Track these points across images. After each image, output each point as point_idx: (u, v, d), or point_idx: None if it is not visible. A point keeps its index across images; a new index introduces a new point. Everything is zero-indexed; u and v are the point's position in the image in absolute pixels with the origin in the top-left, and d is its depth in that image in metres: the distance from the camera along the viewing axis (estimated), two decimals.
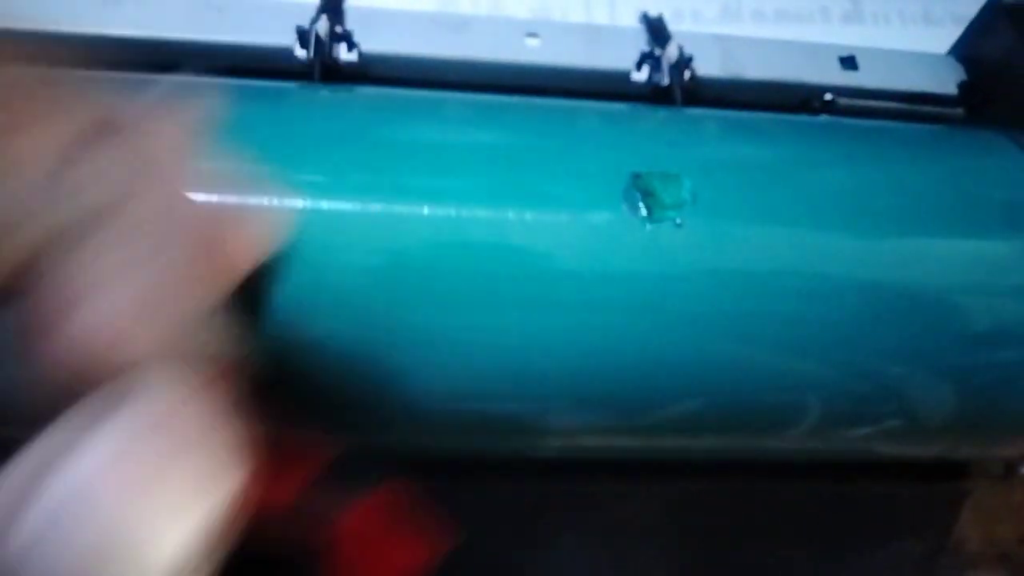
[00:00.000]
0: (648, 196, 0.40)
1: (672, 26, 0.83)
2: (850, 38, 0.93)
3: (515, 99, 0.47)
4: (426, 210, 0.39)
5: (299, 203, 0.37)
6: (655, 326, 0.40)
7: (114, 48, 0.48)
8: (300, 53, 0.48)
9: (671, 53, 0.49)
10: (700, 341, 0.40)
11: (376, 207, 0.38)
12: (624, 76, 0.51)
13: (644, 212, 0.40)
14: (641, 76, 0.51)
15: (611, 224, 0.40)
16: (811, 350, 0.41)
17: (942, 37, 0.94)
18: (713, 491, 0.51)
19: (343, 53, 0.48)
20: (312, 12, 0.48)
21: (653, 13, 0.54)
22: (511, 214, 0.39)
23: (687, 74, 0.50)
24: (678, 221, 0.40)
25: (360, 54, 0.48)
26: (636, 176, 0.40)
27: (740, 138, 0.46)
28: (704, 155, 0.43)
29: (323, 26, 0.47)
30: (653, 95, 0.50)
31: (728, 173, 0.42)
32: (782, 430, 0.44)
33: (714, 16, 0.89)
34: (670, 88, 0.49)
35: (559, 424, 0.43)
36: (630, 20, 0.87)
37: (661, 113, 0.47)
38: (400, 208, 0.38)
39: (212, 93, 0.45)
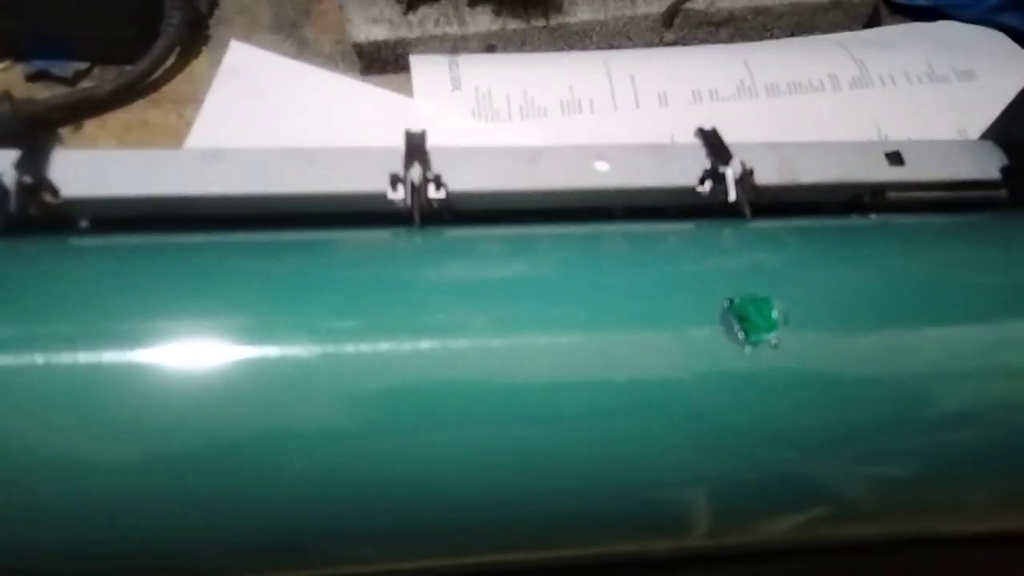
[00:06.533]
0: (744, 320, 0.43)
1: (696, 109, 0.88)
2: (862, 101, 0.98)
3: (595, 227, 0.51)
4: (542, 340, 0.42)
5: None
6: (759, 443, 0.43)
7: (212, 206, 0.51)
8: (396, 196, 0.51)
9: (735, 168, 0.53)
10: (802, 455, 0.43)
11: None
12: (690, 191, 0.55)
13: (742, 336, 0.43)
14: (705, 189, 0.55)
15: (710, 346, 0.43)
16: (907, 452, 0.44)
17: (948, 92, 0.99)
18: None
19: (432, 192, 0.52)
20: (399, 157, 0.52)
21: (706, 127, 0.57)
22: (615, 336, 0.42)
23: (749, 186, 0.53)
24: (773, 342, 0.43)
25: (448, 192, 0.52)
26: (731, 301, 0.44)
27: (812, 248, 0.49)
28: (785, 272, 0.47)
29: (416, 171, 0.51)
30: (720, 208, 0.54)
31: (810, 287, 0.45)
32: (879, 523, 0.47)
33: (731, 94, 0.94)
34: (737, 202, 0.52)
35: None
36: (652, 100, 0.91)
37: (735, 230, 0.51)
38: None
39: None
